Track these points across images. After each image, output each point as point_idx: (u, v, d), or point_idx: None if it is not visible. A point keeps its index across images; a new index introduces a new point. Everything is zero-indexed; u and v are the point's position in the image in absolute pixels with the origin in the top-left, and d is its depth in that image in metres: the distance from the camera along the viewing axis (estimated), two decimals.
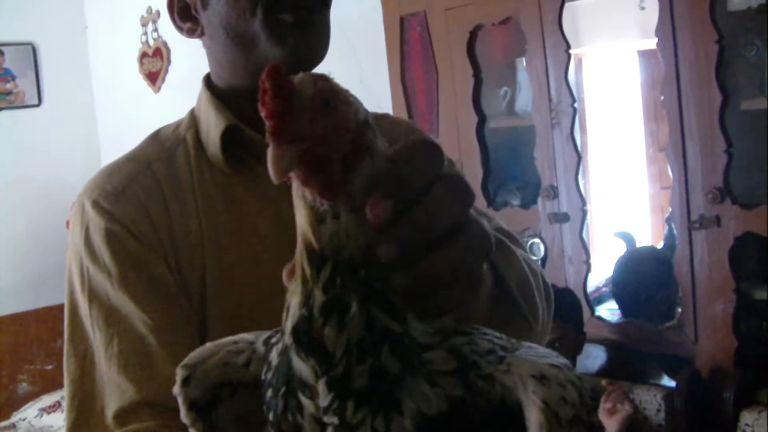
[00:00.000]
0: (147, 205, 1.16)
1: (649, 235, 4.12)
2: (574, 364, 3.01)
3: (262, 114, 0.59)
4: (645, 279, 3.37)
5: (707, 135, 2.86)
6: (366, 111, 0.67)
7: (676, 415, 2.89)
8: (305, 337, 0.62)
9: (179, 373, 0.77)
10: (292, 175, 0.62)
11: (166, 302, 1.13)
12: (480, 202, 3.55)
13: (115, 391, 1.09)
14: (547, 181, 3.36)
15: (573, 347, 2.98)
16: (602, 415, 2.78)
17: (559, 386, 0.64)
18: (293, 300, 0.64)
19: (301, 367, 0.63)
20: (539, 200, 3.41)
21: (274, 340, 0.70)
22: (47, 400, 4.86)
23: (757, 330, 3.04)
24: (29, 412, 4.83)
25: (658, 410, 2.93)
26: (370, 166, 0.64)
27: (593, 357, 3.23)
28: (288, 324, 0.64)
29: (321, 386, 0.61)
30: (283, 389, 0.65)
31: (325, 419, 0.62)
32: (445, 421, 0.61)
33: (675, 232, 3.08)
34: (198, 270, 1.15)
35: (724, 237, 2.90)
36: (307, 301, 0.62)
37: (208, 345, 0.78)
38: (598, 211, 4.22)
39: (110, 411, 1.09)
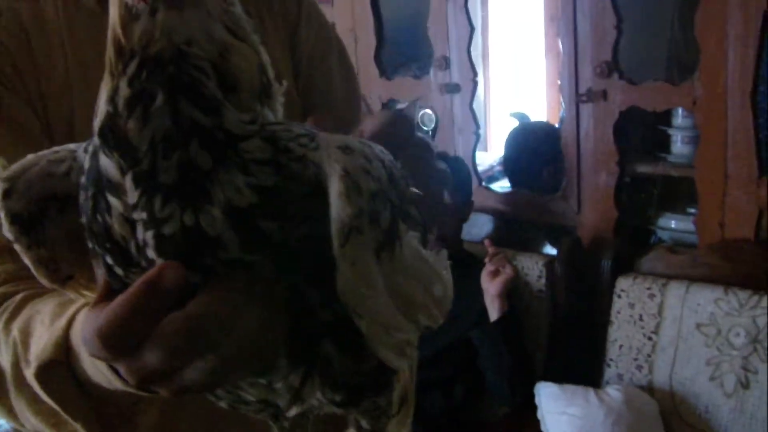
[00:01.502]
0: (9, 45, 1.09)
1: (545, 113, 4.18)
2: (460, 231, 3.07)
3: None
4: (533, 152, 3.42)
5: (598, 9, 2.89)
6: None
7: (557, 282, 2.99)
8: (110, 133, 0.60)
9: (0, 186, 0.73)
10: None
11: (27, 146, 1.03)
12: (373, 72, 3.55)
13: None
14: (439, 52, 3.37)
15: (460, 214, 3.03)
16: (484, 277, 2.86)
17: (364, 158, 0.62)
18: (102, 98, 0.61)
19: (107, 164, 0.60)
20: (431, 71, 3.43)
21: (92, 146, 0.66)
22: None
23: (636, 202, 3.14)
24: None
25: (540, 277, 3.02)
26: None
27: (480, 225, 3.29)
28: (96, 122, 0.61)
29: (128, 182, 0.59)
30: (92, 190, 0.63)
31: (134, 216, 0.60)
32: (257, 212, 0.60)
33: (563, 104, 3.14)
34: (66, 113, 1.09)
35: (609, 111, 2.95)
36: (113, 96, 0.60)
37: (30, 156, 0.74)
38: (498, 90, 4.25)
39: None
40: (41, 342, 0.88)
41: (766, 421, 2.42)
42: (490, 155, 3.96)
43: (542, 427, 2.69)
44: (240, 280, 0.60)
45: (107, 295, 0.64)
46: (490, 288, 2.84)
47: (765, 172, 2.62)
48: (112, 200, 0.60)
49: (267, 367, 0.66)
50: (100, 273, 0.67)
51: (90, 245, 0.65)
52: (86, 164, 0.65)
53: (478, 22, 4.06)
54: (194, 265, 0.59)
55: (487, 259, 2.89)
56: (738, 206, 2.67)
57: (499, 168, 3.72)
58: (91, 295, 0.81)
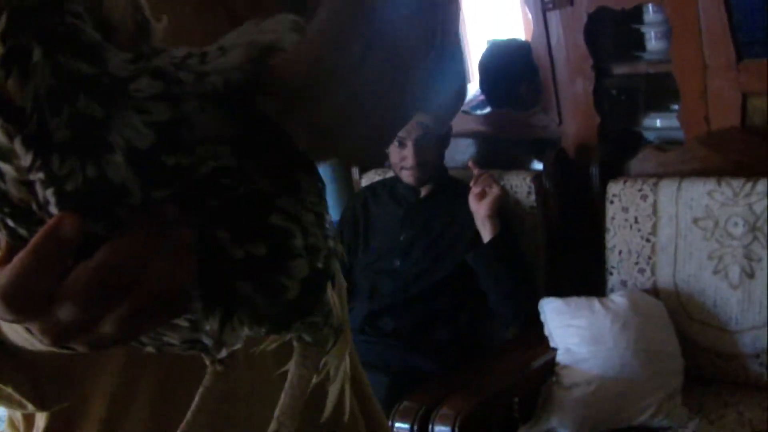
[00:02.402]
0: None
1: (522, 32, 4.11)
2: (442, 158, 3.02)
3: None
4: (506, 69, 3.36)
5: None
6: None
7: (547, 195, 2.95)
8: None
9: None
10: None
11: None
12: None
13: None
14: None
15: (439, 143, 2.99)
16: (472, 200, 2.81)
17: None
18: None
19: None
20: None
21: None
22: None
23: (616, 104, 3.09)
24: None
25: (529, 193, 2.98)
26: None
27: (463, 150, 3.24)
28: None
29: (17, 146, 0.55)
30: None
31: (31, 177, 0.56)
32: (159, 150, 0.57)
33: (529, 16, 3.07)
34: None
35: (577, 15, 2.90)
36: None
37: None
38: (475, 19, 4.18)
39: None
40: None
41: None
42: (473, 86, 3.89)
43: (551, 343, 2.67)
44: (145, 226, 0.58)
45: (10, 257, 0.61)
46: (480, 210, 2.80)
47: (743, 56, 2.56)
48: (3, 166, 0.57)
49: (181, 311, 0.64)
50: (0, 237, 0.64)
51: None
52: None
53: None
54: (98, 216, 0.57)
55: (472, 182, 2.85)
56: (720, 95, 2.62)
57: (482, 97, 3.66)
58: None
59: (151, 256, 0.58)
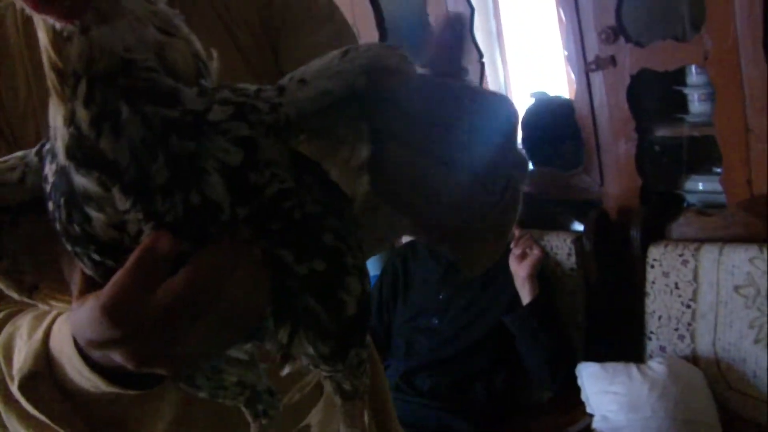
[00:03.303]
0: None
1: (566, 87, 4.09)
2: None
3: None
4: (550, 128, 3.35)
5: None
6: None
7: (587, 257, 2.92)
8: (81, 154, 0.59)
9: None
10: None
11: None
12: None
13: None
14: None
15: None
16: (512, 261, 2.80)
17: None
18: (57, 120, 0.61)
19: (84, 183, 0.60)
20: None
21: (47, 147, 0.67)
22: None
23: (660, 167, 3.06)
24: None
25: (569, 254, 2.95)
26: None
27: None
28: (59, 145, 0.61)
29: (116, 194, 0.59)
30: (62, 200, 0.63)
31: (126, 217, 0.60)
32: (245, 167, 0.61)
33: (572, 76, 3.06)
34: (31, 137, 1.07)
35: (620, 76, 2.88)
36: (71, 119, 0.59)
37: None
38: (518, 70, 4.18)
39: None
40: (21, 356, 0.89)
41: None
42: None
43: (587, 409, 2.63)
44: (225, 242, 0.62)
45: (87, 288, 0.65)
46: (519, 271, 2.79)
47: None
48: (93, 213, 0.61)
49: (255, 327, 0.69)
50: (73, 271, 0.68)
51: (69, 248, 0.65)
52: (50, 177, 0.65)
53: (488, 3, 4.00)
54: (191, 236, 0.61)
55: (512, 243, 2.83)
56: (764, 160, 2.58)
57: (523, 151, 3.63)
58: (58, 305, 0.82)
59: (232, 271, 0.61)
